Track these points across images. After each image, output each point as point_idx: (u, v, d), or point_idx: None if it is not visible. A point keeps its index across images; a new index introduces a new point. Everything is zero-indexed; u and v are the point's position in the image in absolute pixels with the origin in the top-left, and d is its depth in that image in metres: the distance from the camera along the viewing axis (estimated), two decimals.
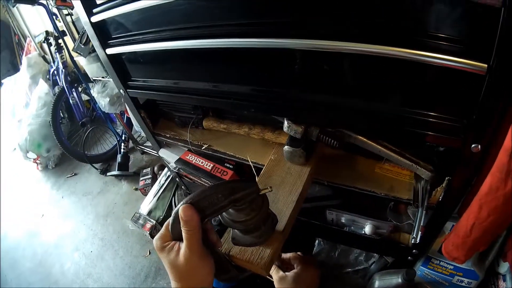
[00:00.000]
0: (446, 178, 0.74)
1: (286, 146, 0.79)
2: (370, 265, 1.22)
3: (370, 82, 0.61)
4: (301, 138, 0.77)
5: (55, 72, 2.27)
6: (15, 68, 2.93)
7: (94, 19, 0.87)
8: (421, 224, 0.89)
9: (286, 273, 0.81)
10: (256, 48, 0.65)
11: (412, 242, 0.91)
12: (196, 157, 1.13)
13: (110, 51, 0.93)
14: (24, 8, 2.67)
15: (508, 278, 0.94)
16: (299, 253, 0.87)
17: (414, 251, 0.99)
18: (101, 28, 0.90)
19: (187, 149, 1.17)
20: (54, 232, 1.98)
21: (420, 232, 0.90)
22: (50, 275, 1.76)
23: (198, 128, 1.13)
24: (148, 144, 2.14)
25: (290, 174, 0.79)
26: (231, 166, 1.06)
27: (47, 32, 2.09)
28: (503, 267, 0.96)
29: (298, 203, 0.73)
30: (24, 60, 2.57)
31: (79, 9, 0.88)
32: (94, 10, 0.86)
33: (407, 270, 1.00)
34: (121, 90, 1.08)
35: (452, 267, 0.99)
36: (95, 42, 0.94)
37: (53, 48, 2.09)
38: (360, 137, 0.76)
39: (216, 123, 1.02)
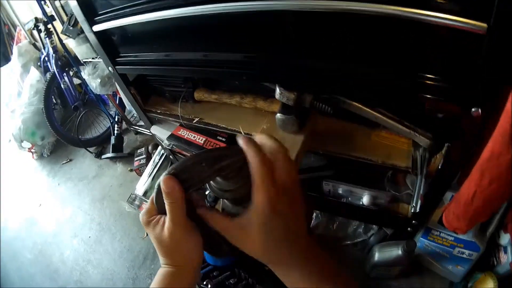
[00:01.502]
0: (446, 144, 0.72)
1: (278, 114, 0.77)
2: (369, 237, 1.20)
3: (366, 44, 0.58)
4: (293, 105, 0.75)
5: (46, 58, 2.23)
6: (6, 59, 2.88)
7: None
8: (421, 192, 0.88)
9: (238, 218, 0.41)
10: (245, 12, 0.62)
11: (412, 211, 0.90)
12: (188, 132, 1.11)
13: (97, 27, 0.91)
14: None
15: (509, 250, 0.93)
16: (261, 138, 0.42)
17: (413, 221, 0.98)
18: (87, 6, 0.88)
19: (178, 124, 1.15)
20: (52, 221, 1.98)
21: (420, 201, 0.88)
22: (50, 264, 1.76)
23: (188, 102, 1.11)
24: (142, 123, 2.11)
25: (283, 142, 0.76)
26: (223, 139, 1.03)
27: (36, 18, 2.05)
28: (504, 239, 0.95)
29: None
30: (15, 49, 2.52)
31: None
32: None
33: (407, 241, 0.99)
34: (109, 68, 1.07)
35: (452, 238, 0.98)
36: (81, 20, 0.92)
37: (43, 34, 2.05)
38: (355, 103, 0.73)
39: (207, 94, 1.00)
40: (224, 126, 0.96)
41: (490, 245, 0.97)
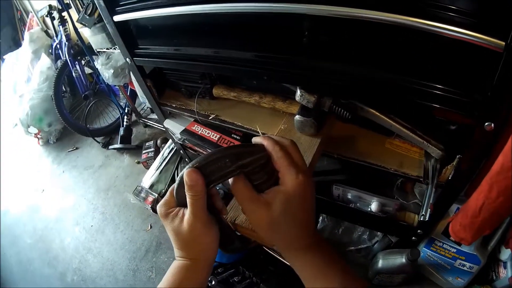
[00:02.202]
0: (457, 156, 0.73)
1: (297, 116, 0.78)
2: (373, 244, 1.21)
3: (386, 52, 0.59)
4: (313, 108, 0.76)
5: (58, 46, 2.24)
6: (17, 44, 2.90)
7: None
8: (430, 201, 0.88)
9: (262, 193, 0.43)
10: (269, 13, 0.63)
11: (421, 219, 0.91)
12: (202, 128, 1.12)
13: (117, 18, 0.91)
14: None
15: (509, 265, 0.95)
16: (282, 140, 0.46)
17: (419, 231, 0.99)
18: None
19: (193, 119, 1.15)
20: (54, 207, 1.98)
21: (429, 209, 0.89)
22: (50, 250, 1.76)
23: (205, 98, 1.11)
24: (151, 117, 2.13)
25: (300, 144, 0.77)
26: (238, 137, 1.04)
27: (50, 6, 2.07)
28: (505, 254, 0.96)
29: None
30: (26, 35, 2.54)
31: None
32: None
33: (411, 250, 1.00)
34: (127, 59, 1.07)
35: (454, 250, 0.99)
36: (102, 9, 0.92)
37: (56, 22, 2.07)
38: (372, 110, 0.75)
39: (226, 91, 1.00)
40: (240, 124, 0.97)
41: (491, 259, 0.98)
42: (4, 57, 2.76)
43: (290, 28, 0.66)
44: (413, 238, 1.02)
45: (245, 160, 0.44)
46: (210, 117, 1.04)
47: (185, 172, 0.42)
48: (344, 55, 0.64)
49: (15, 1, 2.93)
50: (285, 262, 0.58)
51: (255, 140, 0.46)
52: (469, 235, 0.72)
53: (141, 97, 1.77)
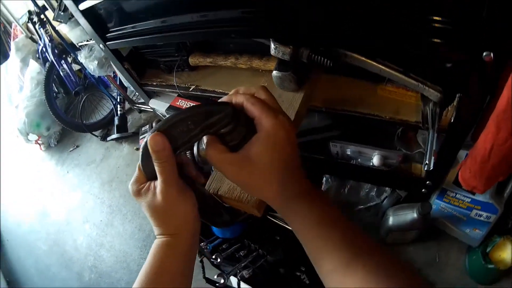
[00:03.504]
0: (457, 95, 0.65)
1: (274, 71, 0.70)
2: (382, 201, 1.15)
3: None
4: (290, 61, 0.68)
5: (44, 49, 2.21)
6: (5, 56, 2.89)
7: None
8: (433, 148, 0.81)
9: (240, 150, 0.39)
10: None
11: (425, 168, 0.84)
12: (186, 101, 1.08)
13: (83, 5, 0.90)
14: None
15: None
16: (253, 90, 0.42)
17: (427, 182, 0.91)
18: None
19: (176, 94, 1.11)
20: (63, 209, 2.01)
21: (433, 157, 0.82)
22: (64, 253, 1.80)
23: (184, 71, 1.06)
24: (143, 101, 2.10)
25: (281, 102, 0.70)
26: None
27: (29, 11, 2.05)
28: None
29: None
30: (12, 45, 2.52)
31: None
32: None
33: (422, 204, 0.94)
34: (101, 45, 1.04)
35: (469, 200, 0.93)
36: (67, 1, 0.92)
37: (37, 26, 2.04)
38: (357, 55, 0.66)
39: (202, 58, 0.95)
40: (221, 91, 0.92)
41: (508, 207, 0.91)
42: None
43: None
44: (423, 190, 0.95)
45: (209, 120, 0.39)
46: (191, 89, 0.99)
47: (148, 137, 0.38)
48: None
49: None
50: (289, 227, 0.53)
51: (222, 99, 0.41)
52: (480, 183, 0.66)
53: (124, 81, 1.73)
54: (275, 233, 1.08)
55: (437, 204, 0.99)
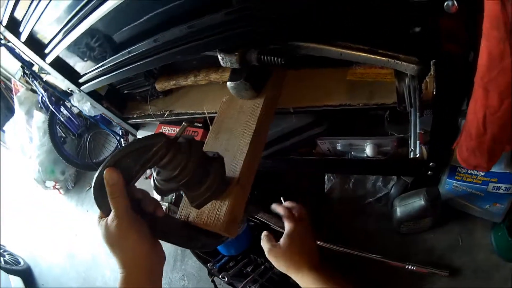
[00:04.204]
0: (431, 62, 0.58)
1: (227, 82, 0.67)
2: (390, 189, 1.08)
3: None
4: (241, 68, 0.65)
5: (43, 98, 2.29)
6: (11, 111, 3.02)
7: (23, 37, 0.90)
8: (417, 130, 0.74)
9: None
10: None
11: (411, 156, 0.77)
12: (168, 127, 1.08)
13: (49, 58, 0.94)
14: None
15: None
16: (289, 204, 0.69)
17: (431, 164, 0.84)
18: (32, 42, 0.92)
19: (159, 122, 1.10)
20: (88, 246, 2.06)
21: (418, 141, 0.75)
22: None
23: (159, 98, 1.07)
24: None
25: (243, 112, 0.67)
26: (200, 125, 0.97)
27: (22, 66, 2.13)
28: None
29: (255, 144, 0.61)
30: (15, 99, 2.64)
31: (8, 36, 0.93)
32: (20, 29, 0.88)
33: (427, 189, 0.86)
34: (76, 90, 1.09)
35: (483, 173, 0.84)
36: (34, 57, 0.96)
37: (30, 79, 2.14)
38: (311, 44, 0.60)
39: (166, 82, 0.94)
40: (192, 111, 0.90)
41: None
42: (3, 128, 2.90)
43: None
44: (429, 172, 0.88)
45: (145, 155, 0.41)
46: (165, 115, 0.98)
47: (104, 171, 0.40)
48: None
49: None
50: None
51: (275, 207, 0.67)
52: (483, 160, 0.56)
53: (110, 118, 1.77)
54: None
55: (449, 183, 0.90)
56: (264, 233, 0.63)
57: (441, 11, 0.41)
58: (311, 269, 0.56)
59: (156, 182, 0.46)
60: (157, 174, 0.45)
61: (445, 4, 0.41)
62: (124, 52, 0.79)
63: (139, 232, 0.42)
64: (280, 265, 0.59)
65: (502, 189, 0.83)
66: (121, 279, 0.43)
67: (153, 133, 1.11)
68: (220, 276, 0.99)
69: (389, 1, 0.46)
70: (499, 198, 0.85)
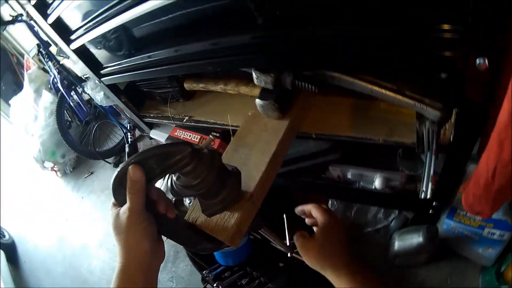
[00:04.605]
0: (454, 110, 0.61)
1: (256, 99, 0.69)
2: (390, 222, 1.10)
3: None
4: (274, 89, 0.67)
5: (55, 80, 2.30)
6: (20, 87, 3.03)
7: (50, 19, 0.89)
8: (431, 173, 0.76)
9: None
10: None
11: (422, 197, 0.79)
12: (184, 132, 1.09)
13: (73, 45, 0.94)
14: (13, 28, 2.72)
15: None
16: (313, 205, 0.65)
17: (434, 203, 0.86)
18: (59, 26, 0.92)
19: (174, 125, 1.11)
20: (79, 233, 2.06)
21: (430, 183, 0.77)
22: (79, 276, 1.84)
23: (179, 101, 1.08)
24: None
25: (266, 131, 0.69)
26: (217, 134, 0.99)
27: (38, 45, 2.14)
28: None
29: (273, 165, 0.62)
30: (26, 76, 2.64)
31: (34, 15, 0.92)
32: (48, 11, 0.88)
33: (427, 227, 0.89)
34: (96, 81, 1.09)
35: (480, 218, 0.86)
36: (59, 42, 0.97)
37: (45, 59, 2.14)
38: (345, 76, 0.64)
39: (195, 83, 0.95)
40: (213, 121, 0.92)
41: None
42: (10, 102, 2.89)
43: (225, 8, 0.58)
44: (430, 211, 0.91)
45: (168, 161, 0.43)
46: (184, 120, 0.99)
47: (129, 167, 0.42)
48: (297, 16, 0.54)
49: (8, 47, 3.06)
50: (297, 257, 0.61)
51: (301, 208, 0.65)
52: (487, 208, 0.60)
53: (125, 114, 1.78)
54: (279, 260, 1.05)
55: (447, 223, 0.93)
56: (297, 233, 0.59)
57: (471, 64, 0.44)
58: (348, 272, 0.52)
59: (174, 185, 0.48)
60: (177, 179, 0.47)
61: (477, 62, 0.44)
62: (143, 55, 0.82)
63: (146, 230, 0.44)
64: (312, 261, 0.55)
65: (496, 235, 0.86)
66: (118, 268, 0.44)
67: (168, 134, 1.13)
68: (214, 285, 1.00)
69: (421, 46, 0.49)
70: (492, 243, 0.88)
